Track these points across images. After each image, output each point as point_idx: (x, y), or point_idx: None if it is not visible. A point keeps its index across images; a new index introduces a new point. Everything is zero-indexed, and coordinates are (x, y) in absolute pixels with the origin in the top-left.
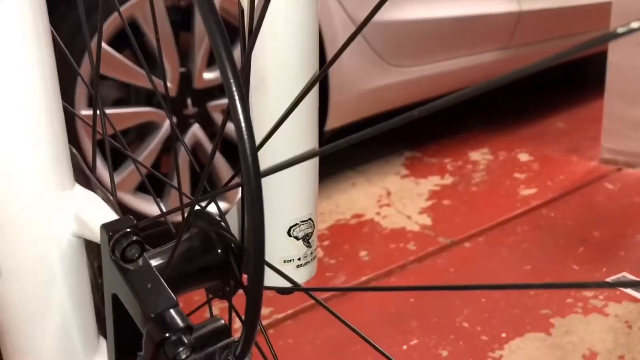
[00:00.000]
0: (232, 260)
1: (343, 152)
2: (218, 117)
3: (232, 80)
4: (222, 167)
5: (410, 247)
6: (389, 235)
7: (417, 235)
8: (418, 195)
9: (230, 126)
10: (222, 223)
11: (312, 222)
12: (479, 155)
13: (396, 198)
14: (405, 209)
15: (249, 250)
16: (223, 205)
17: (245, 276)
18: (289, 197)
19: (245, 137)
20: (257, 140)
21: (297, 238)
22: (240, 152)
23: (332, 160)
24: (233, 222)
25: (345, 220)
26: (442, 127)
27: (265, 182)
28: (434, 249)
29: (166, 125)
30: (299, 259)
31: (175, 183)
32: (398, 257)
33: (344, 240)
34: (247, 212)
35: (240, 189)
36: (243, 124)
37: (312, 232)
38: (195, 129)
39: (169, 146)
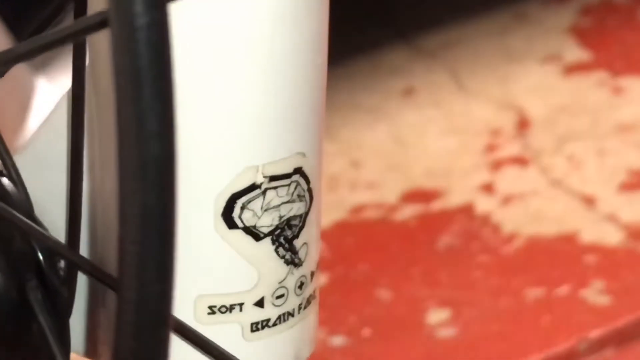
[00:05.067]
0: (36, 301)
1: None
2: None
3: None
4: None
5: (592, 298)
6: (521, 257)
7: (616, 258)
8: (618, 128)
9: None
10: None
11: (306, 182)
12: None
13: (547, 137)
14: (578, 172)
15: (104, 272)
16: None
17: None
18: (239, 96)
19: None
20: None
21: (255, 233)
22: None
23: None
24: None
25: (378, 209)
26: None
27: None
28: None
29: None
30: (260, 303)
31: None
32: (553, 328)
33: (372, 273)
34: (118, 132)
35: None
36: None
37: (303, 216)
38: None
39: None
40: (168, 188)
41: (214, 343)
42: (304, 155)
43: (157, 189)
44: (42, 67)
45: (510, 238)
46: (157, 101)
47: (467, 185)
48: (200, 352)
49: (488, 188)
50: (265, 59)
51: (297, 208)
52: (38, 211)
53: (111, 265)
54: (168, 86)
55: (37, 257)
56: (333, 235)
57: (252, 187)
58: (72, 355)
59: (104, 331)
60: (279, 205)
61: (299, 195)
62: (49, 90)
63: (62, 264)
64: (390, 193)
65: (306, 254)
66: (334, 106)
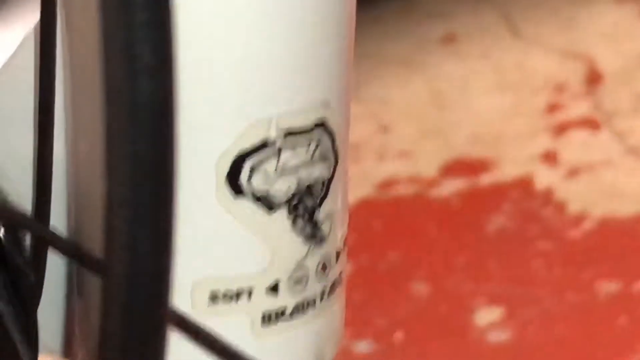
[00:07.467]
0: None
1: None
2: None
3: None
4: None
5: None
6: (591, 243)
7: None
8: None
9: None
10: None
11: (331, 139)
12: None
13: (622, 94)
14: None
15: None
16: None
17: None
18: (247, 31)
19: None
20: None
21: (268, 202)
22: None
23: None
24: None
25: (412, 184)
26: None
27: None
28: None
29: None
30: (274, 289)
31: None
32: (631, 331)
33: (406, 263)
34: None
35: None
36: None
37: (326, 181)
38: None
39: None
40: (164, 134)
41: (217, 335)
42: (328, 105)
43: (151, 135)
44: None
45: (578, 219)
46: (152, 28)
47: (524, 154)
48: (199, 346)
49: (550, 157)
50: None
51: (320, 171)
52: None
53: (88, 242)
54: (165, 10)
55: None
56: (357, 217)
57: (264, 144)
58: (42, 356)
59: (79, 326)
60: (297, 168)
61: (321, 156)
62: None
63: (28, 240)
64: (427, 164)
65: (330, 228)
66: (358, 58)
